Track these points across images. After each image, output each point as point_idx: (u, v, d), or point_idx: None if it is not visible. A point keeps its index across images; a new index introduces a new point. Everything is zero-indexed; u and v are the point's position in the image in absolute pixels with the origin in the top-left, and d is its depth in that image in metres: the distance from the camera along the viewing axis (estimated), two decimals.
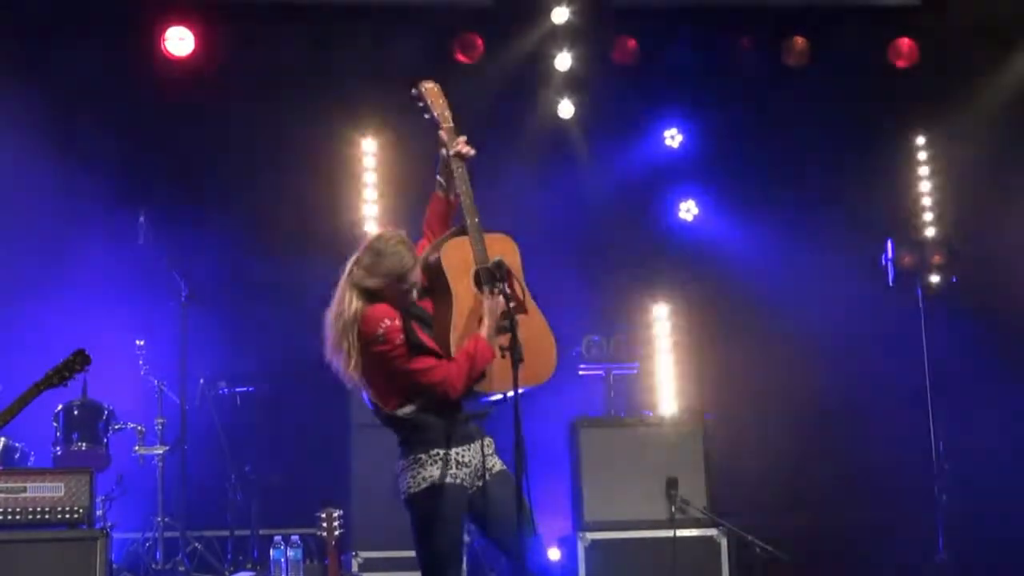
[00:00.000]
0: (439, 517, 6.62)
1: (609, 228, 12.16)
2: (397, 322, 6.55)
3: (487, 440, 6.78)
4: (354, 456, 10.42)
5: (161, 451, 10.62)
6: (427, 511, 6.64)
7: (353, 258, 6.74)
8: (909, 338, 11.74)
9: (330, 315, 6.71)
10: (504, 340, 6.67)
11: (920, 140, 12.59)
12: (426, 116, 7.02)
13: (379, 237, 6.78)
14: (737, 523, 10.14)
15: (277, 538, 9.96)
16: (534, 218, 11.05)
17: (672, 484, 10.09)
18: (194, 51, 11.67)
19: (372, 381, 6.69)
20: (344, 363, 6.63)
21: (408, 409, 6.65)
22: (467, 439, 6.67)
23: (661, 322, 12.02)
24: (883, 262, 11.80)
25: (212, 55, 11.74)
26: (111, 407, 10.47)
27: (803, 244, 12.07)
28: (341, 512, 8.52)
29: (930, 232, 12.31)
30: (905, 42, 12.58)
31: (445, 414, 6.62)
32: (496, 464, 6.78)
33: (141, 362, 10.69)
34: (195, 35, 11.67)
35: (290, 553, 9.81)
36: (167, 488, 10.63)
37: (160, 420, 10.71)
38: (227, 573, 10.19)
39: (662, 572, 9.87)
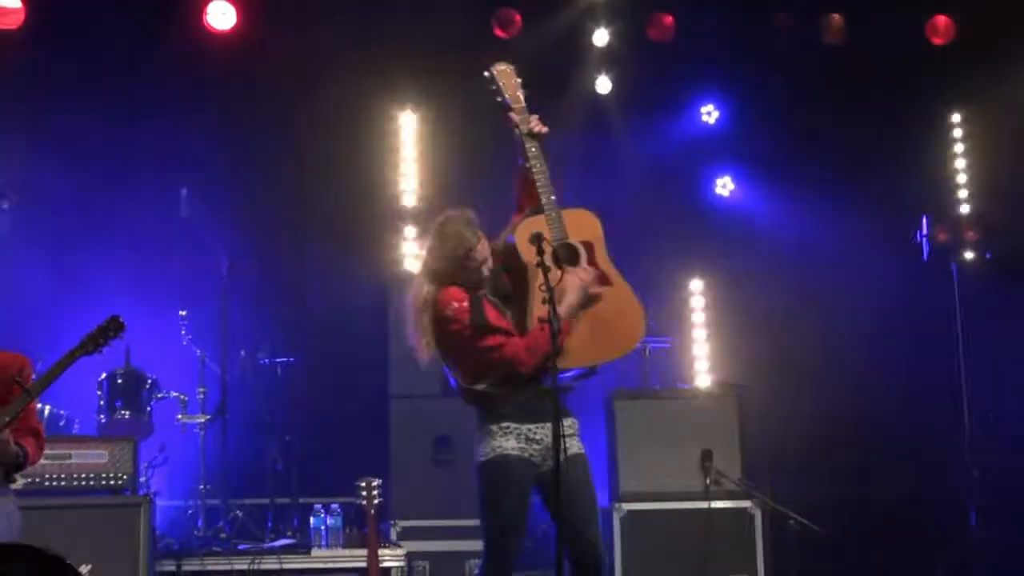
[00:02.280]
0: (502, 488, 6.84)
1: (645, 203, 12.17)
2: (465, 304, 6.78)
3: (568, 420, 6.90)
4: (392, 426, 10.54)
5: (203, 420, 10.69)
6: (492, 480, 6.87)
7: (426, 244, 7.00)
8: (943, 313, 11.77)
9: (409, 300, 6.93)
10: (585, 314, 6.86)
11: (956, 117, 12.59)
12: (498, 99, 7.13)
13: (442, 220, 7.00)
14: (771, 495, 10.20)
15: (317, 506, 10.08)
16: (570, 193, 11.08)
17: (707, 456, 10.13)
18: (236, 25, 11.72)
19: (449, 359, 6.94)
20: (420, 344, 6.90)
21: (483, 384, 6.85)
22: (542, 416, 6.79)
23: (697, 296, 12.08)
24: (918, 238, 11.83)
25: (254, 29, 11.77)
26: (154, 376, 10.58)
27: (838, 220, 12.09)
28: (380, 481, 8.55)
29: (965, 209, 12.32)
30: (942, 19, 12.58)
31: (519, 389, 6.79)
32: (573, 446, 6.89)
33: (183, 332, 10.76)
34: (237, 9, 11.72)
35: (330, 521, 9.94)
36: (208, 457, 10.69)
37: (202, 389, 10.79)
38: (268, 540, 10.25)
39: (697, 543, 9.91)
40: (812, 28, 12.48)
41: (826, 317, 11.93)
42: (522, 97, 7.13)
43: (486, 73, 7.18)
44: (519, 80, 7.19)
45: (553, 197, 6.95)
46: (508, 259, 6.96)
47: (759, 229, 12.40)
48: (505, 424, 6.83)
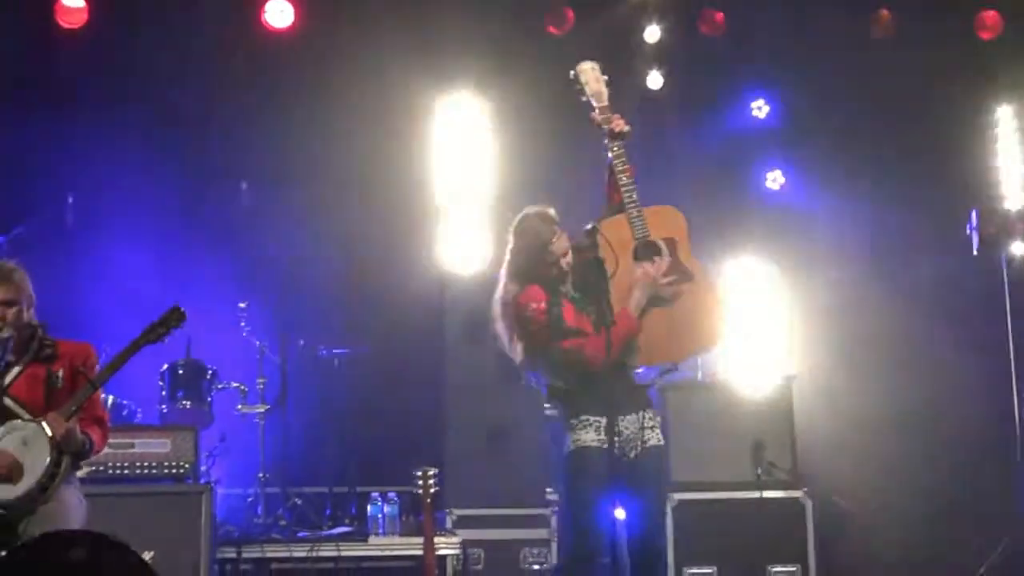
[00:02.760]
0: (581, 478, 6.96)
1: (696, 198, 12.17)
2: (543, 305, 6.88)
3: (649, 413, 7.03)
4: (448, 416, 10.63)
5: (262, 410, 10.85)
6: (572, 472, 7.02)
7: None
8: (993, 305, 11.79)
9: (496, 299, 7.09)
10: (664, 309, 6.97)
11: (1005, 110, 12.61)
12: (582, 99, 7.21)
13: (520, 217, 7.11)
14: (821, 485, 10.26)
15: (374, 495, 10.23)
16: None
17: (758, 446, 10.23)
18: (294, 23, 11.84)
19: (532, 358, 7.04)
20: (506, 343, 7.07)
21: (562, 382, 7.00)
22: (622, 408, 6.93)
23: (748, 290, 12.13)
24: (967, 231, 11.86)
25: (312, 26, 11.90)
26: (214, 367, 10.73)
27: (888, 213, 12.14)
28: (436, 470, 8.62)
29: (1014, 202, 12.34)
30: (990, 14, 12.60)
31: (598, 385, 6.85)
32: (652, 438, 7.03)
33: (243, 324, 10.88)
34: (295, 7, 11.84)
35: (387, 509, 10.10)
36: (268, 446, 10.83)
37: (261, 380, 10.93)
38: (326, 528, 10.38)
39: (748, 532, 10.04)
40: (862, 23, 12.51)
41: (876, 309, 11.95)
42: (606, 96, 7.20)
43: (571, 73, 7.26)
44: (605, 78, 7.26)
45: (636, 195, 7.02)
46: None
47: (809, 222, 12.41)
48: (584, 417, 6.96)
